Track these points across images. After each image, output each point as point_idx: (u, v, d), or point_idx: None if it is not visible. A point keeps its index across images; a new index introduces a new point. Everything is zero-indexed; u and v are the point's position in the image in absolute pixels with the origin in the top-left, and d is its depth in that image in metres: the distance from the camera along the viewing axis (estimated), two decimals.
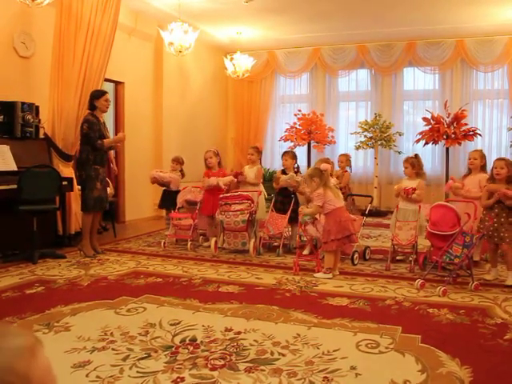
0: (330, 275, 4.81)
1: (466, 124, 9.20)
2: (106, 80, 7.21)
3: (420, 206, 5.34)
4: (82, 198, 5.74)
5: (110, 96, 6.52)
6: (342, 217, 4.84)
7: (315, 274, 4.86)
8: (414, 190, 5.32)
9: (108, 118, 8.16)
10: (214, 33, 9.71)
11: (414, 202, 5.36)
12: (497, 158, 4.91)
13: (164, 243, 6.25)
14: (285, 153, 6.43)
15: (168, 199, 6.72)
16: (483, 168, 5.38)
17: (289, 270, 5.07)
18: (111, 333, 3.29)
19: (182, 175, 6.97)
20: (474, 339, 3.24)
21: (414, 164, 5.49)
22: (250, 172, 6.38)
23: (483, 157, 5.37)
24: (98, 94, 5.69)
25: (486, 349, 3.08)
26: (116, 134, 7.95)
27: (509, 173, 4.65)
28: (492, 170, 4.76)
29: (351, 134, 10.27)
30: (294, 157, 6.27)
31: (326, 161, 6.81)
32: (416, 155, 5.67)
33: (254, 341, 3.16)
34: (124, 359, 2.87)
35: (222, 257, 5.78)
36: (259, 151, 6.44)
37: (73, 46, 6.01)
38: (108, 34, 6.26)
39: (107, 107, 5.79)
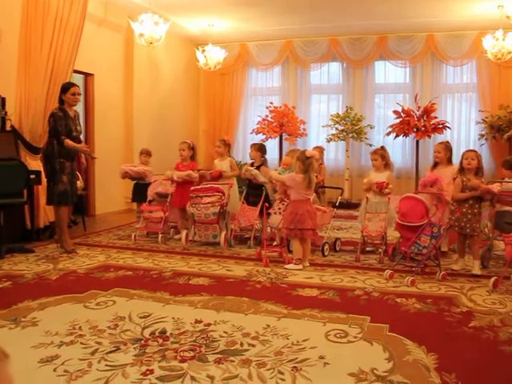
0: (300, 266, 4.85)
1: (435, 117, 9.34)
2: (76, 71, 7.10)
3: (389, 198, 5.40)
4: (47, 191, 5.62)
5: (80, 88, 6.40)
6: (300, 209, 4.85)
7: (286, 266, 4.89)
8: (388, 184, 5.38)
9: (78, 111, 8.05)
10: (186, 24, 9.62)
11: (385, 195, 5.41)
12: (467, 150, 5.02)
13: (135, 236, 6.20)
14: (251, 145, 6.56)
15: (140, 192, 6.64)
16: (449, 160, 5.45)
17: (259, 262, 5.09)
18: (80, 327, 3.26)
19: None
20: (441, 327, 3.32)
21: (384, 155, 5.55)
22: (220, 165, 6.36)
23: (447, 149, 5.44)
24: (64, 88, 5.51)
25: (452, 336, 3.16)
26: (86, 128, 7.90)
27: (478, 164, 4.75)
28: (462, 161, 4.84)
29: (323, 126, 10.32)
30: (260, 149, 6.33)
31: (318, 148, 6.88)
32: (382, 147, 5.75)
33: (224, 332, 3.18)
34: (92, 353, 2.85)
35: (192, 249, 5.77)
36: (227, 144, 6.44)
37: (40, 35, 5.88)
38: (77, 23, 6.16)
39: (75, 101, 5.54)
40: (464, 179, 4.75)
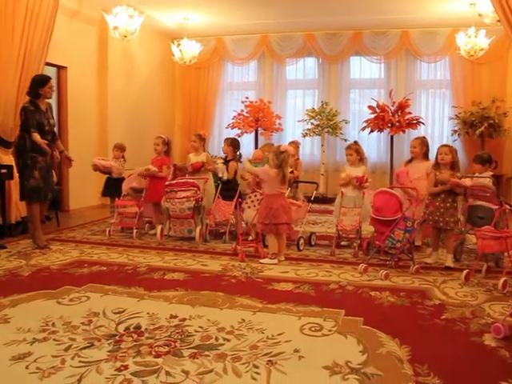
0: (275, 261, 4.86)
1: (409, 113, 9.45)
2: (48, 64, 6.98)
3: (364, 193, 5.44)
4: (19, 186, 5.51)
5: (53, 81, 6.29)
6: (274, 204, 4.87)
7: (261, 260, 4.90)
8: (368, 178, 5.43)
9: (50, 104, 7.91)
10: (161, 18, 9.53)
11: (364, 189, 5.44)
12: (441, 145, 5.07)
13: (109, 231, 6.15)
14: (224, 139, 6.61)
15: (111, 187, 6.60)
16: (425, 155, 5.51)
17: (235, 257, 5.09)
18: (53, 323, 3.22)
19: (124, 162, 6.88)
20: (414, 320, 3.37)
21: (359, 150, 5.59)
22: (196, 160, 6.30)
23: (423, 144, 5.48)
24: (42, 81, 5.42)
25: (424, 329, 3.21)
26: (59, 122, 7.78)
27: (453, 159, 4.82)
28: (437, 156, 4.91)
29: (298, 121, 10.35)
30: (232, 144, 6.37)
31: (293, 142, 6.90)
32: (356, 141, 5.80)
33: (199, 327, 3.17)
34: (66, 349, 2.82)
35: (168, 244, 5.74)
36: (202, 138, 6.42)
37: (11, 27, 5.75)
38: (49, 15, 6.04)
39: (51, 94, 5.57)
40: (437, 173, 4.82)
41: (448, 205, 4.75)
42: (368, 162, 6.13)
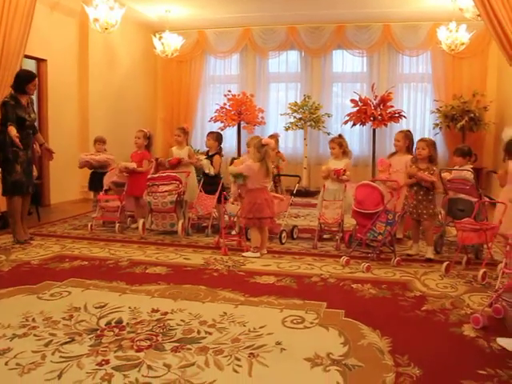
0: (257, 254, 4.87)
1: (392, 106, 9.48)
2: (27, 57, 6.88)
3: (346, 186, 5.46)
4: (2, 181, 5.45)
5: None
6: (258, 198, 4.87)
7: (243, 253, 4.91)
8: (345, 171, 5.44)
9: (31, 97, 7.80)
10: (142, 10, 9.44)
11: (343, 182, 5.46)
12: (419, 139, 5.08)
13: (91, 226, 6.09)
14: (209, 133, 6.46)
15: (99, 181, 6.51)
16: (408, 149, 5.52)
17: (217, 250, 5.09)
18: (33, 319, 3.20)
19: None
20: (394, 311, 3.40)
21: (342, 143, 5.60)
22: (178, 154, 6.27)
23: (407, 138, 5.48)
24: (29, 78, 5.40)
25: (405, 320, 3.24)
26: (39, 115, 7.68)
27: (430, 153, 4.85)
28: (415, 150, 4.95)
29: (281, 115, 10.34)
30: (217, 138, 6.28)
31: (273, 136, 6.87)
32: (340, 135, 5.81)
33: (181, 321, 3.17)
34: (46, 345, 2.80)
35: (150, 238, 5.71)
36: (186, 132, 6.38)
37: None
38: (27, 7, 5.95)
39: (34, 92, 5.61)
40: (413, 166, 4.87)
41: (420, 197, 4.80)
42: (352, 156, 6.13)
